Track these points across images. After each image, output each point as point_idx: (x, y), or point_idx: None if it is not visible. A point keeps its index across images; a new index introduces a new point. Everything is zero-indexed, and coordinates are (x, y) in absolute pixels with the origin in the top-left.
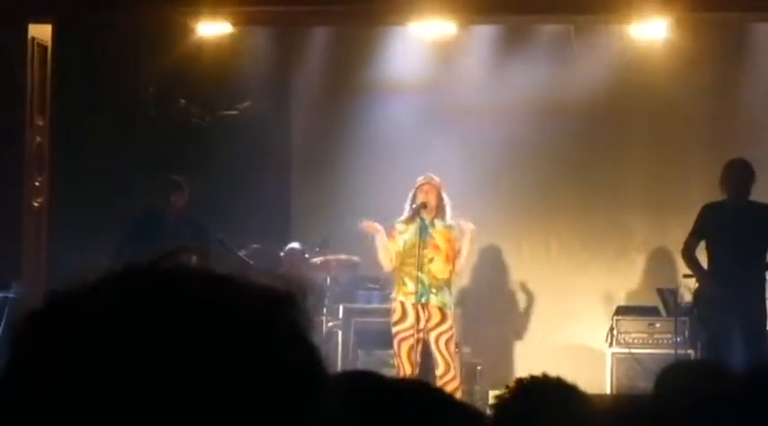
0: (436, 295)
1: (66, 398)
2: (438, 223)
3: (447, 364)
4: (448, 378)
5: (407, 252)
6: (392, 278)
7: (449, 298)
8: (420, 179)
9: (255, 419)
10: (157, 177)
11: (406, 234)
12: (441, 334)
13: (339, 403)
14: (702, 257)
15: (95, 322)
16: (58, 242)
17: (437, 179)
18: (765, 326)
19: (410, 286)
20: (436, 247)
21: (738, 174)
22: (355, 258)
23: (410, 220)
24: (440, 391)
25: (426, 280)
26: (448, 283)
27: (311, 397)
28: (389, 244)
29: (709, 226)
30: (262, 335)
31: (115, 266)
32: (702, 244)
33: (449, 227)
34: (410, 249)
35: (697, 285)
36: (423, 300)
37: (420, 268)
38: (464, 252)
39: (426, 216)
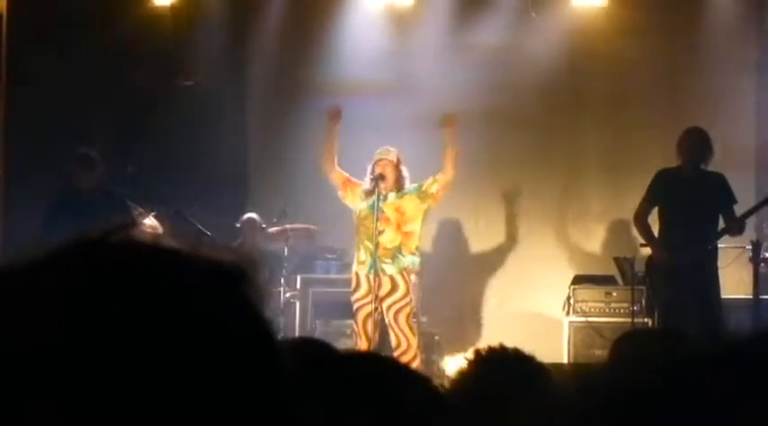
0: (392, 263)
1: (13, 369)
2: (391, 195)
3: (398, 338)
4: (401, 351)
5: (361, 222)
6: (350, 248)
7: (405, 261)
8: (377, 152)
9: (203, 391)
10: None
11: (363, 203)
12: (391, 305)
13: (291, 375)
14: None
15: (43, 295)
16: (13, 212)
17: (394, 151)
18: (718, 293)
19: (362, 255)
20: (386, 219)
21: (694, 142)
22: (312, 227)
23: (370, 192)
24: (392, 362)
25: (378, 252)
26: (401, 248)
27: (261, 370)
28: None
29: (662, 192)
30: (210, 309)
31: (51, 240)
32: (655, 212)
33: (401, 195)
34: (364, 219)
35: (650, 252)
36: (372, 272)
37: (372, 239)
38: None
39: (383, 189)
